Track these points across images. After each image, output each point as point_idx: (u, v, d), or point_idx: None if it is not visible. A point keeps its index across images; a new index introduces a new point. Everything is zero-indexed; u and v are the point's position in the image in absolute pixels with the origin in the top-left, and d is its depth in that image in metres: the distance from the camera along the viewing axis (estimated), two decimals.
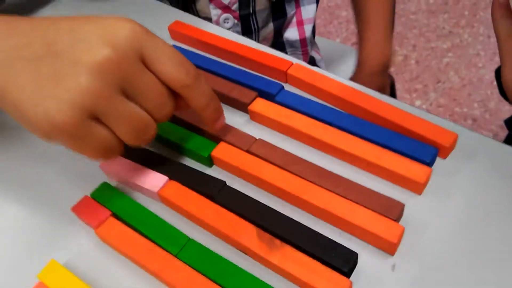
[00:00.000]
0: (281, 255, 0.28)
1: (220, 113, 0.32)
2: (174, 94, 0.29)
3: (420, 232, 0.29)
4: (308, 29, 0.64)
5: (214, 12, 0.53)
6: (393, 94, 0.90)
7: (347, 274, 0.27)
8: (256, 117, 0.37)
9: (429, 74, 1.41)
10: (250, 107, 0.36)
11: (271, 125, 0.36)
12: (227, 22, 0.54)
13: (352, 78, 0.68)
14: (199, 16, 0.53)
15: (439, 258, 0.28)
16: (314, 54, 0.73)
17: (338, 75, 0.39)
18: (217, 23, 0.54)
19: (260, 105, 0.36)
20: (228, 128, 0.35)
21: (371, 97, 0.35)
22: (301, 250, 0.28)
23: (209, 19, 0.54)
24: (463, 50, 1.45)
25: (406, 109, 0.34)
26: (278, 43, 0.65)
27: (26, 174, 0.37)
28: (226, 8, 0.53)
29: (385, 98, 0.36)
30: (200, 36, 0.43)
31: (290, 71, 0.39)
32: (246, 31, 0.56)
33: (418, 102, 1.34)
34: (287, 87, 0.39)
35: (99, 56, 0.25)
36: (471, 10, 1.57)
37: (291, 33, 0.64)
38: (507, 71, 0.33)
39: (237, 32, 0.56)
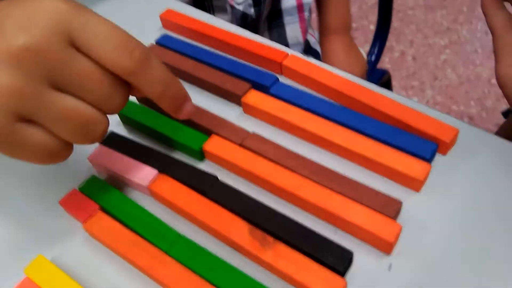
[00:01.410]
0: (274, 253, 0.27)
1: (181, 100, 0.27)
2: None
3: (418, 231, 0.28)
4: None
5: None
6: (389, 90, 0.89)
7: (342, 274, 0.27)
8: (249, 110, 0.36)
9: (426, 71, 1.40)
10: (244, 99, 0.35)
11: (265, 118, 0.35)
12: None
13: (321, 46, 0.71)
14: None
15: (437, 257, 0.27)
16: (309, 37, 0.72)
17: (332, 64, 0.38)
18: None
19: (254, 97, 0.35)
20: (220, 121, 0.34)
21: (369, 90, 0.34)
22: (295, 248, 0.27)
23: None
24: (461, 47, 1.45)
25: (406, 103, 0.34)
26: (276, 11, 0.65)
27: (12, 167, 0.35)
28: None
29: (384, 91, 0.35)
30: (193, 26, 0.42)
31: (285, 62, 0.38)
32: (256, 2, 0.57)
33: (414, 99, 1.34)
34: (282, 79, 0.38)
35: (14, 46, 0.22)
36: (469, 6, 1.56)
37: (289, 0, 0.65)
38: (502, 66, 0.32)
39: (248, 5, 0.56)
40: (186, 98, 0.28)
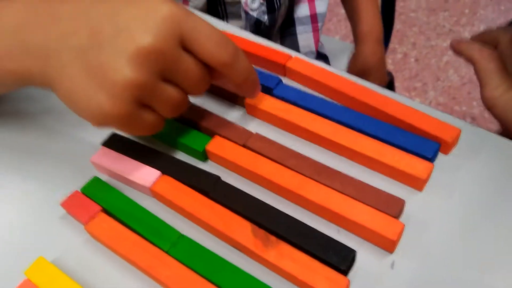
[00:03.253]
0: (276, 253, 0.27)
1: (257, 85, 0.32)
2: (210, 68, 0.29)
3: (421, 230, 0.28)
4: (319, 4, 0.65)
5: None
6: (392, 91, 0.89)
7: (345, 272, 0.26)
8: (253, 111, 0.36)
9: (429, 72, 1.40)
10: (247, 100, 0.35)
11: (268, 119, 0.35)
12: (254, 2, 0.55)
13: (356, 54, 0.70)
14: (225, 2, 0.54)
15: (440, 256, 0.27)
16: (321, 49, 0.73)
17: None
18: (246, 4, 0.55)
19: (257, 98, 0.35)
20: (223, 122, 0.34)
21: (372, 91, 0.34)
22: (298, 247, 0.27)
23: (235, 3, 0.54)
24: None
25: (408, 103, 0.33)
26: (289, 20, 0.65)
27: (15, 168, 0.36)
28: None
29: (386, 92, 0.35)
30: None
31: (288, 64, 0.38)
32: (271, 9, 0.57)
33: (417, 101, 1.34)
34: (286, 81, 0.38)
35: (141, 47, 0.26)
36: (471, 8, 1.56)
37: (302, 9, 0.65)
38: (487, 90, 0.35)
39: (263, 12, 0.56)
40: (258, 84, 0.33)
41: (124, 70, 0.26)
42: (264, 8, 0.56)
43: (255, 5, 0.55)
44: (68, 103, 0.28)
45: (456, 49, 0.39)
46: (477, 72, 0.36)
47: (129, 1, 0.28)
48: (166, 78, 0.28)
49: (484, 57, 0.36)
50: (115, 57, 0.26)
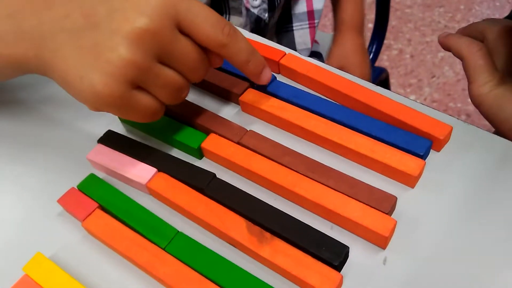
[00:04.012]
0: (271, 249, 0.27)
1: (262, 66, 0.32)
2: (208, 53, 0.30)
3: (413, 226, 0.29)
4: (316, 1, 0.65)
5: None
6: (387, 88, 0.90)
7: (338, 268, 0.27)
8: (247, 108, 0.36)
9: (424, 68, 1.41)
10: (242, 98, 0.36)
11: (263, 117, 0.36)
12: (256, 0, 0.55)
13: (334, 43, 0.70)
14: None
15: (432, 252, 0.28)
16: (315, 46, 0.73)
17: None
18: (247, 1, 0.55)
19: (252, 95, 0.36)
20: (218, 119, 0.35)
21: (365, 88, 0.35)
22: (292, 243, 0.28)
23: None
24: None
25: (401, 101, 0.34)
26: (286, 16, 0.65)
27: (11, 165, 0.36)
28: None
29: (380, 90, 0.36)
30: None
31: (282, 61, 0.38)
32: (271, 7, 0.57)
33: (412, 97, 1.34)
34: (280, 78, 0.39)
35: (136, 27, 0.26)
36: (466, 4, 1.57)
37: (299, 6, 0.65)
38: (475, 87, 0.34)
39: (263, 10, 0.57)
40: (264, 65, 0.32)
41: (119, 49, 0.26)
42: (265, 5, 0.56)
43: (257, 2, 0.55)
44: (63, 85, 0.28)
45: (444, 44, 0.38)
46: (465, 68, 0.36)
47: None
48: (163, 61, 0.28)
49: (472, 52, 0.35)
50: (110, 37, 0.26)
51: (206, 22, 0.28)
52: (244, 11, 0.55)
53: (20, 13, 0.29)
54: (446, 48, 0.38)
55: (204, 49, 0.29)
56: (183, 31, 0.28)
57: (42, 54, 0.28)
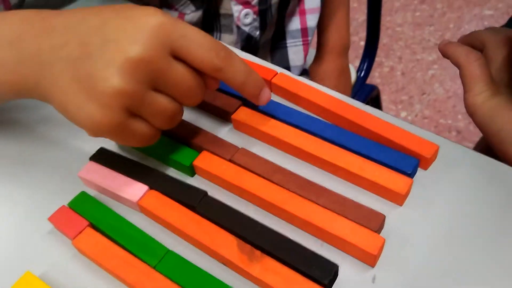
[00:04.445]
0: (261, 267, 0.28)
1: (261, 87, 0.32)
2: (204, 76, 0.30)
3: (401, 244, 0.29)
4: (310, 18, 0.65)
5: (236, 8, 0.54)
6: (378, 105, 0.91)
7: (328, 286, 0.27)
8: (239, 126, 0.37)
9: (415, 85, 1.42)
10: (234, 116, 0.36)
11: (255, 135, 0.36)
12: (247, 18, 0.56)
13: (316, 62, 0.71)
14: (219, 14, 0.55)
15: (420, 269, 0.28)
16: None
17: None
18: (238, 19, 0.55)
19: (244, 114, 0.36)
20: (210, 137, 0.35)
21: (355, 108, 0.35)
22: (282, 261, 0.28)
23: (229, 15, 0.55)
24: (448, 63, 1.45)
25: (389, 120, 0.35)
26: (280, 32, 0.65)
27: (2, 182, 0.36)
28: (246, 4, 0.55)
29: (369, 109, 0.36)
30: None
31: (274, 80, 0.39)
32: (263, 25, 0.58)
33: (403, 113, 1.36)
34: (272, 97, 0.39)
35: (129, 57, 0.26)
36: (456, 23, 1.60)
37: (293, 23, 0.65)
38: (470, 96, 0.34)
39: (255, 27, 0.57)
40: (263, 85, 0.32)
41: (113, 80, 0.26)
42: (256, 23, 0.57)
43: (248, 20, 0.56)
44: (64, 114, 0.29)
45: (444, 51, 0.38)
46: (462, 76, 0.36)
47: (119, 14, 0.28)
48: (158, 88, 0.28)
49: (470, 62, 0.35)
50: (104, 67, 0.27)
51: (201, 47, 0.28)
52: (235, 29, 0.56)
53: (21, 40, 0.29)
54: (445, 56, 0.38)
55: (200, 73, 0.29)
56: (178, 57, 0.28)
57: (42, 82, 0.29)
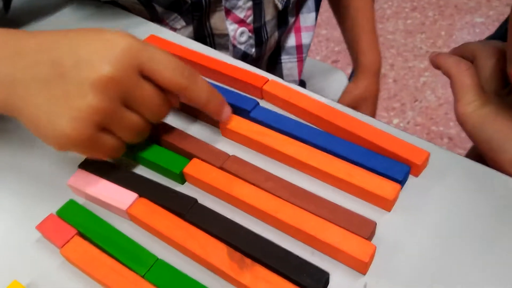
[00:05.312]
0: (251, 275, 0.27)
1: (222, 105, 0.34)
2: (168, 95, 0.32)
3: (392, 251, 0.29)
4: (305, 36, 0.66)
5: (231, 27, 0.54)
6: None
7: None
8: (227, 133, 0.37)
9: (407, 93, 1.43)
10: (221, 123, 0.36)
11: (244, 142, 0.36)
12: (243, 36, 0.56)
13: (353, 85, 0.71)
14: (213, 34, 0.55)
15: (411, 276, 0.28)
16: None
17: (318, 93, 0.39)
18: (234, 38, 0.55)
19: (233, 121, 0.36)
20: (201, 144, 0.35)
21: (346, 115, 0.35)
22: (273, 269, 0.28)
23: (224, 35, 0.55)
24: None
25: (380, 127, 0.35)
26: (275, 49, 0.66)
27: None
28: (241, 22, 0.55)
29: (360, 116, 0.36)
30: (176, 51, 0.43)
31: (265, 88, 0.39)
32: (258, 43, 0.58)
33: (395, 120, 1.36)
34: (263, 103, 0.39)
35: (102, 76, 0.28)
36: (447, 30, 1.61)
37: (288, 39, 0.66)
38: (460, 105, 0.35)
39: (250, 45, 0.57)
40: (224, 104, 0.35)
41: (87, 97, 0.28)
42: (252, 41, 0.57)
43: (243, 38, 0.56)
44: (33, 129, 0.30)
45: (434, 62, 0.39)
46: (452, 86, 0.36)
47: (90, 37, 0.30)
48: (127, 105, 0.30)
49: (460, 71, 0.36)
50: (78, 86, 0.28)
51: (167, 68, 0.30)
52: (231, 47, 0.56)
53: None
54: (436, 66, 0.38)
55: (165, 92, 0.32)
56: (146, 77, 0.30)
57: (12, 99, 0.30)
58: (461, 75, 0.36)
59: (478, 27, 1.61)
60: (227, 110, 0.35)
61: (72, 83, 0.29)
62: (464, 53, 0.38)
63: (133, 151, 0.35)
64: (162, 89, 0.31)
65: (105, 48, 0.29)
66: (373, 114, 0.72)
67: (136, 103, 0.30)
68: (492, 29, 1.59)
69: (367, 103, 0.71)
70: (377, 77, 0.72)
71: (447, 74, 0.37)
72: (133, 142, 0.33)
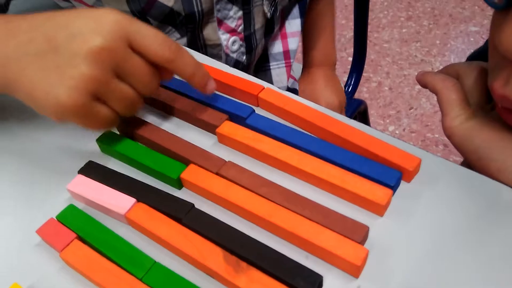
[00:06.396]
0: (247, 278, 0.28)
1: (207, 78, 0.36)
2: (159, 69, 0.34)
3: (384, 255, 0.30)
4: (291, 42, 0.67)
5: (224, 37, 0.56)
6: (366, 119, 0.92)
7: None
8: (223, 140, 0.37)
9: (402, 100, 1.45)
10: (218, 129, 0.37)
11: (239, 148, 0.37)
12: (235, 45, 0.57)
13: (305, 78, 0.73)
14: (206, 45, 0.56)
15: (403, 280, 0.29)
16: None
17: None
18: (227, 47, 0.56)
19: (229, 128, 0.37)
20: (198, 150, 0.36)
21: (339, 122, 0.36)
22: (267, 273, 0.28)
23: (216, 45, 0.56)
24: None
25: (373, 134, 0.35)
26: (263, 56, 0.67)
27: None
28: (233, 32, 0.56)
29: (354, 123, 0.37)
30: None
31: (261, 95, 0.40)
32: (249, 50, 0.59)
33: (391, 128, 1.37)
34: (258, 111, 0.40)
35: (93, 47, 0.30)
36: (442, 39, 1.63)
37: (275, 46, 0.67)
38: (448, 119, 0.36)
39: (242, 53, 0.58)
40: (209, 77, 0.36)
41: (81, 67, 0.30)
42: (243, 49, 0.58)
43: (235, 47, 0.57)
44: (29, 100, 0.32)
45: (421, 81, 0.40)
46: (439, 102, 0.38)
47: (81, 13, 0.32)
48: (119, 76, 0.32)
49: (446, 87, 0.37)
50: (72, 57, 0.30)
51: (154, 41, 0.32)
52: (224, 56, 0.57)
53: None
54: (423, 84, 0.40)
55: (155, 66, 0.33)
56: (135, 50, 0.32)
57: (7, 75, 0.32)
58: (447, 90, 0.37)
59: (473, 36, 1.63)
60: (212, 83, 0.36)
61: (64, 54, 0.30)
62: (449, 72, 0.40)
63: (131, 157, 0.35)
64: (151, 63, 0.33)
65: (95, 22, 0.31)
66: (341, 103, 0.73)
67: (127, 74, 0.32)
68: (486, 38, 1.61)
69: (326, 95, 0.72)
70: (331, 68, 0.74)
71: (433, 90, 0.39)
72: (126, 114, 0.34)
